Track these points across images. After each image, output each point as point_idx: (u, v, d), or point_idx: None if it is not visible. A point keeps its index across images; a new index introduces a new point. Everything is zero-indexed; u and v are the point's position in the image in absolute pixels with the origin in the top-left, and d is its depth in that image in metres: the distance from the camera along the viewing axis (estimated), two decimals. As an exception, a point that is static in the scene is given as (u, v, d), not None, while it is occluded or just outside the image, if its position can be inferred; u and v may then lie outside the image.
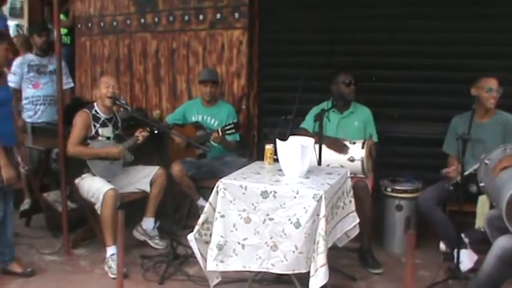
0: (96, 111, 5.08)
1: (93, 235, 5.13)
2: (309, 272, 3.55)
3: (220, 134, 5.30)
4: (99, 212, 4.80)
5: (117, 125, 5.24)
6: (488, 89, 4.73)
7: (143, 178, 5.18)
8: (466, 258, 4.53)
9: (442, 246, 4.90)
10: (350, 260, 4.87)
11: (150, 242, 5.22)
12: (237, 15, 6.10)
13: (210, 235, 3.75)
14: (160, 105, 6.60)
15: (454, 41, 5.62)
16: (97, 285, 4.56)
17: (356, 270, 4.74)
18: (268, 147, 4.27)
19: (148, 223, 5.23)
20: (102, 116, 5.09)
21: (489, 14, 5.49)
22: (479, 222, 4.52)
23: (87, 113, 5.03)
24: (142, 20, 6.60)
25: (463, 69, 5.51)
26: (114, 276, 4.53)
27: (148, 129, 5.11)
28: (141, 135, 5.10)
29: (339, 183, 3.97)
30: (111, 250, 4.73)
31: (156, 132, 5.07)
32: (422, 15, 5.68)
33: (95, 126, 5.03)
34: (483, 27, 5.53)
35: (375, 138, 5.07)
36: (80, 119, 5.00)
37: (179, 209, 5.75)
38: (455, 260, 4.44)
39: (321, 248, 3.47)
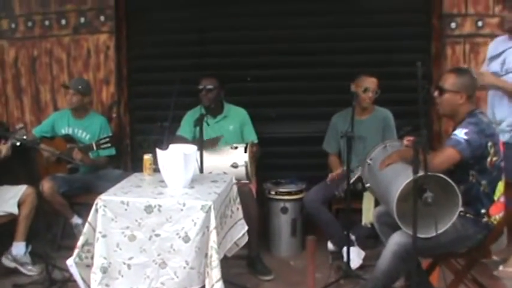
0: None
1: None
2: (202, 288, 3.39)
3: (95, 148, 4.98)
4: None
5: None
6: (365, 88, 4.78)
7: (10, 199, 4.75)
8: (355, 256, 4.56)
9: (330, 245, 4.87)
10: (239, 269, 4.74)
11: (21, 268, 4.76)
12: (102, 18, 5.79)
13: (92, 257, 3.47)
14: (23, 119, 6.09)
15: (328, 38, 5.68)
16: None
17: (246, 278, 4.62)
18: (147, 157, 4.05)
19: (18, 248, 4.78)
20: None
21: (361, 9, 5.59)
22: (366, 219, 4.57)
23: None
24: (-3, 27, 6.11)
25: (339, 66, 5.58)
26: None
27: (8, 142, 4.69)
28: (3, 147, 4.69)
29: (226, 191, 3.82)
30: None
31: (18, 144, 4.65)
32: (296, 12, 5.68)
33: None
34: (358, 22, 5.61)
35: (254, 139, 4.99)
36: None
37: (51, 229, 5.35)
38: (344, 259, 4.45)
39: (215, 261, 3.32)
